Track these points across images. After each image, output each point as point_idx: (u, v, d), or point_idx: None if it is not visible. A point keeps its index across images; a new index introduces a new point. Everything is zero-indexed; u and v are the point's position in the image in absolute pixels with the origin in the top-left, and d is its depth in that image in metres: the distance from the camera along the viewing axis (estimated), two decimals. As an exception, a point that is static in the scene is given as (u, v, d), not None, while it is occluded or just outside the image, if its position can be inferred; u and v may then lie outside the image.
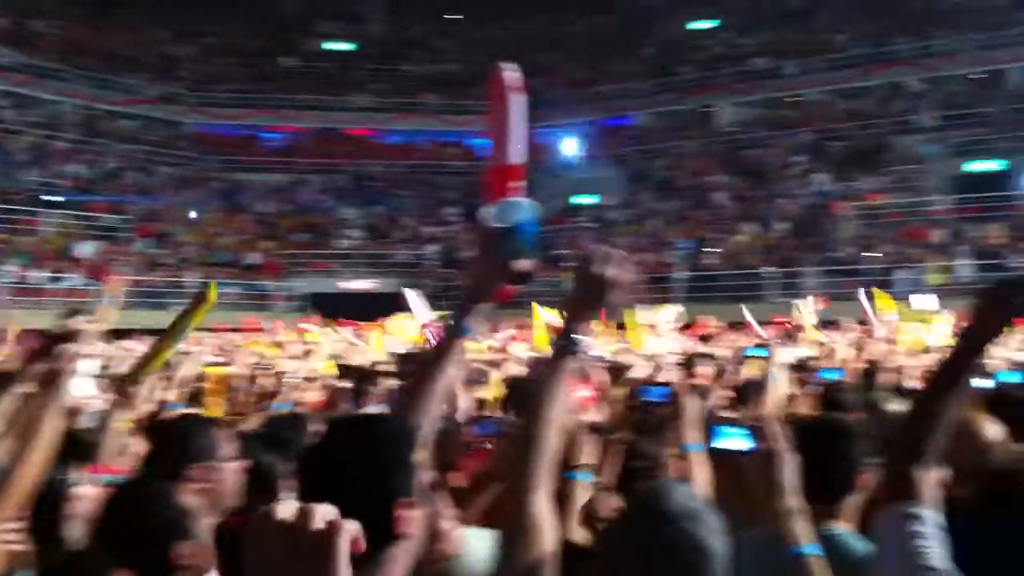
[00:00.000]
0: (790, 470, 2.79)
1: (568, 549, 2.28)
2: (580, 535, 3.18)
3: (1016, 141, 28.92)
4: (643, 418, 4.62)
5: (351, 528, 1.29)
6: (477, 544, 2.78)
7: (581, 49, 37.14)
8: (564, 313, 2.33)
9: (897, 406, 4.48)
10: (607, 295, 2.25)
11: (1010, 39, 31.57)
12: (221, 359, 9.14)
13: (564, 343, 2.24)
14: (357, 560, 1.24)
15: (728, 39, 38.36)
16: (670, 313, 11.95)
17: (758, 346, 7.56)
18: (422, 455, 1.85)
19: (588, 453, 3.42)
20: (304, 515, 1.30)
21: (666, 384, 5.22)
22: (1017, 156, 28.21)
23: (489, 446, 4.00)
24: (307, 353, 9.33)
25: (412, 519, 1.79)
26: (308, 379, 7.05)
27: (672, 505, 1.75)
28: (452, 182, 36.33)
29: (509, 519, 2.14)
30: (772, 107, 35.44)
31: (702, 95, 35.94)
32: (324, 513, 1.31)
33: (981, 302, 2.39)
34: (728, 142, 34.80)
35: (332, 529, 1.29)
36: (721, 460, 3.47)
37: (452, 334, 2.56)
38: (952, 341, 2.54)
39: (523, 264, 2.47)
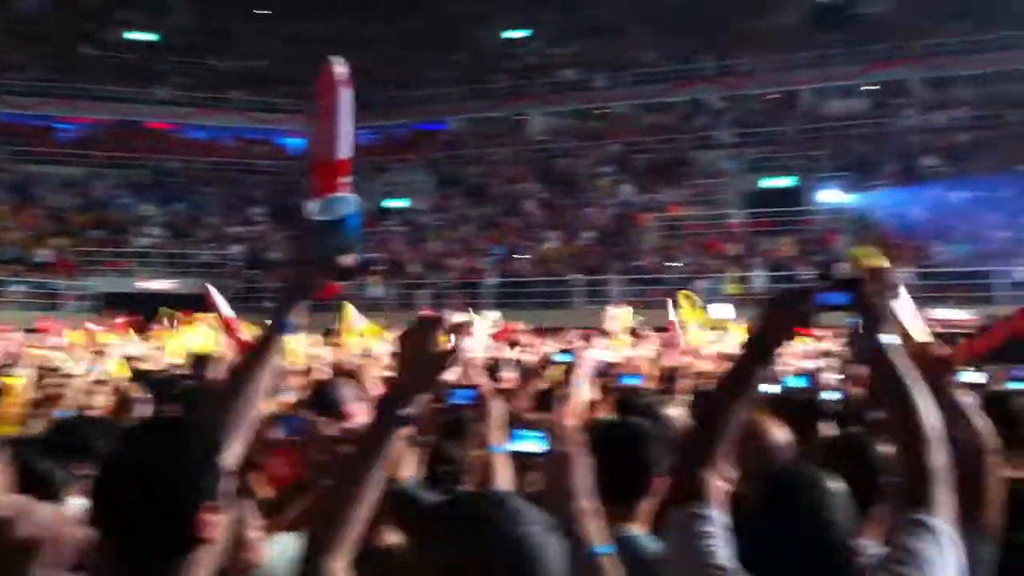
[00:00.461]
0: (582, 472, 2.80)
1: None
2: (393, 538, 3.13)
3: (807, 159, 30.60)
4: (449, 421, 4.59)
5: None
6: (282, 552, 2.69)
7: (392, 51, 36.92)
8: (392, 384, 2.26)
9: (681, 411, 4.62)
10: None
11: (803, 62, 33.43)
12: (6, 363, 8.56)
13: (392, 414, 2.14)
14: (158, 566, 1.17)
15: (540, 49, 39.02)
16: (489, 319, 12.05)
17: (563, 351, 7.66)
18: (228, 458, 1.77)
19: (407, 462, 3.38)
20: None
21: (473, 387, 5.20)
22: (807, 173, 29.82)
23: (294, 446, 3.91)
24: (98, 355, 8.86)
25: (215, 524, 1.74)
26: (98, 382, 6.67)
27: (502, 509, 1.69)
28: (259, 181, 35.46)
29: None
30: (582, 118, 36.27)
31: (514, 103, 36.40)
32: None
33: (767, 311, 2.47)
34: (539, 151, 35.36)
35: None
36: (520, 462, 3.48)
37: (270, 331, 2.45)
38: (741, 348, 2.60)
39: (347, 259, 2.41)
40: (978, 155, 28.33)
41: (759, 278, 25.27)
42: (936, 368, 3.44)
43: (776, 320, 2.46)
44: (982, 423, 3.31)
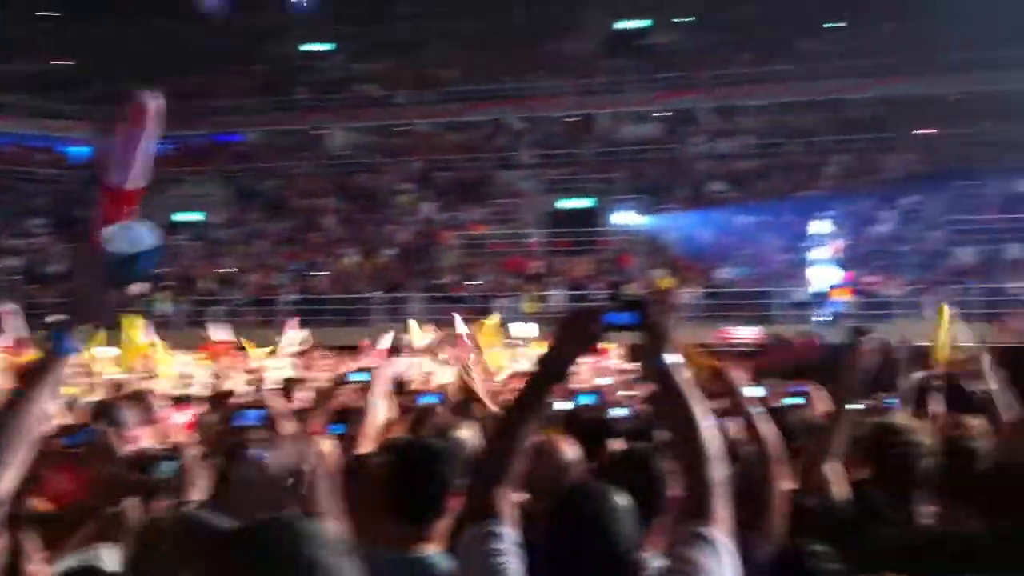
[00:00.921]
0: (325, 492, 2.78)
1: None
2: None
3: (603, 182, 31.51)
4: (236, 442, 4.45)
5: None
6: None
7: (186, 60, 35.73)
8: None
9: (475, 431, 4.64)
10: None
11: (600, 87, 34.48)
12: None
13: None
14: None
15: (342, 64, 38.65)
16: (294, 338, 11.79)
17: (359, 370, 7.56)
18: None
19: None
20: None
21: (262, 407, 5.07)
22: (604, 195, 30.69)
23: (77, 459, 3.74)
24: None
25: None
26: None
27: (293, 533, 1.64)
28: (40, 190, 33.54)
29: None
30: (383, 134, 36.12)
31: (314, 117, 35.86)
32: None
33: (557, 330, 2.52)
34: (339, 166, 34.98)
35: None
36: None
37: (47, 354, 2.35)
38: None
39: (134, 289, 2.39)
40: (761, 182, 29.92)
41: (557, 297, 25.77)
42: (726, 384, 3.61)
43: (566, 339, 2.50)
44: (770, 435, 3.45)
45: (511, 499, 2.46)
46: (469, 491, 2.64)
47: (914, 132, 30.60)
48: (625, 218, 29.20)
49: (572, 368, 2.58)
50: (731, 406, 3.69)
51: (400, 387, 7.62)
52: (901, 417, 4.23)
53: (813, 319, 15.69)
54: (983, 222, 26.66)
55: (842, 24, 34.70)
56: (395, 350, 10.87)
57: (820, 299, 13.25)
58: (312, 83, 37.26)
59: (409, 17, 39.54)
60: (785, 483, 3.43)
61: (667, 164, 32.00)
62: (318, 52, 39.67)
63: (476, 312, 25.63)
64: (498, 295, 26.35)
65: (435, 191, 32.46)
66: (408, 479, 3.01)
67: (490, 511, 2.40)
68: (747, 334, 12.11)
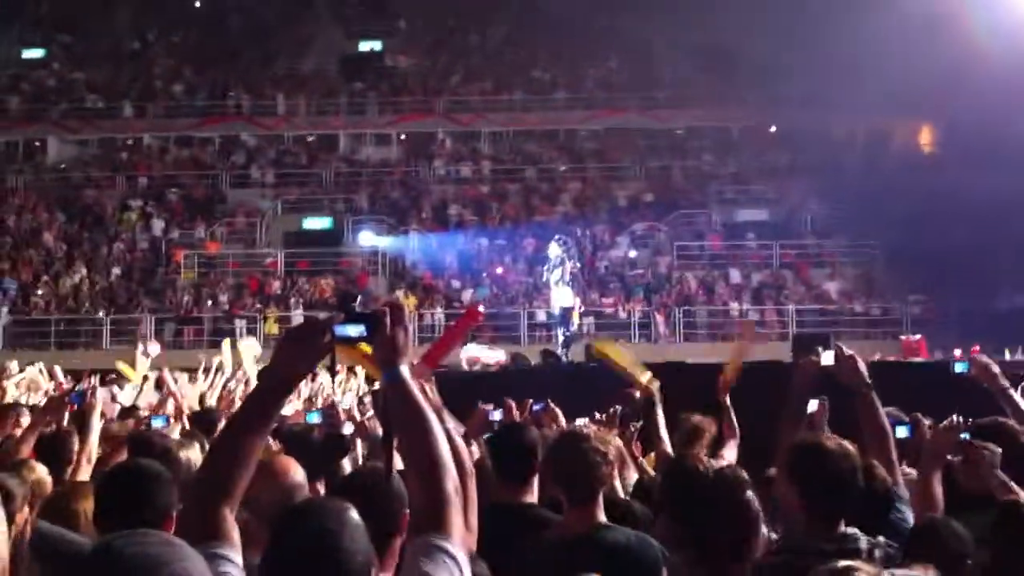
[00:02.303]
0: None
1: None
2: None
3: (344, 202, 31.22)
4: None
5: None
6: None
7: None
8: None
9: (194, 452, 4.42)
10: None
11: (340, 108, 34.25)
12: None
13: None
14: None
15: (60, 72, 36.27)
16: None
17: (75, 393, 7.04)
18: None
19: None
20: None
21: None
22: (345, 215, 30.39)
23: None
24: None
25: None
26: None
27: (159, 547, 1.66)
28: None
29: None
30: (108, 148, 34.22)
31: (31, 128, 33.49)
32: None
33: (283, 344, 2.42)
34: (60, 180, 32.82)
35: None
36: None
37: None
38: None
39: None
40: (499, 206, 30.58)
41: (298, 317, 25.22)
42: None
43: (293, 353, 2.41)
44: (463, 450, 3.48)
45: (233, 520, 2.30)
46: (186, 511, 2.46)
47: (643, 163, 32.18)
48: (366, 239, 29.05)
49: (300, 381, 2.58)
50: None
51: (129, 411, 7.29)
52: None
53: (554, 339, 16.15)
54: (706, 248, 28.40)
55: (569, 58, 35.94)
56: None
57: (559, 320, 13.69)
58: (28, 91, 34.84)
59: (136, 27, 37.91)
60: (473, 498, 3.41)
61: (408, 186, 32.13)
62: (35, 59, 37.06)
63: (215, 334, 24.95)
64: (237, 316, 25.57)
65: (166, 208, 30.98)
66: (118, 502, 2.81)
67: (210, 532, 2.24)
68: (493, 356, 12.22)
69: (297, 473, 3.28)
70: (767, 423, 5.89)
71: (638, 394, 6.39)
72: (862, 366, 4.25)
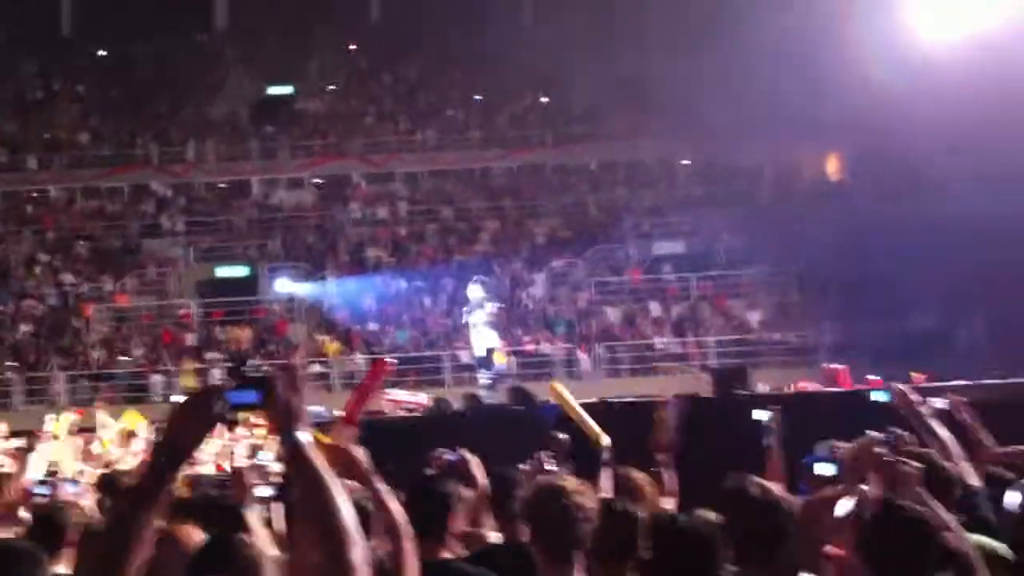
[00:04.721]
0: None
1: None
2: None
3: (259, 249, 30.78)
4: None
5: None
6: None
7: None
8: None
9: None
10: None
11: (251, 153, 33.89)
12: None
13: None
14: None
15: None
16: None
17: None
18: None
19: None
20: None
21: None
22: (260, 262, 29.94)
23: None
24: None
25: None
26: None
27: None
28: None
29: None
30: (13, 201, 33.30)
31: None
32: None
33: (176, 413, 2.34)
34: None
35: None
36: None
37: None
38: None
39: None
40: (417, 247, 30.45)
41: (217, 369, 24.67)
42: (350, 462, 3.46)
43: (186, 422, 2.34)
44: (397, 511, 3.42)
45: None
46: None
47: (558, 199, 32.37)
48: (283, 285, 28.63)
49: (194, 451, 2.43)
50: (359, 482, 3.53)
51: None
52: (567, 480, 4.19)
53: (479, 381, 16.04)
54: (626, 283, 28.57)
55: (482, 96, 36.08)
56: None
57: (482, 362, 13.58)
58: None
59: (40, 76, 37.12)
60: (412, 561, 3.32)
61: (324, 230, 31.83)
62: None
63: (131, 389, 24.32)
64: (153, 370, 25.01)
65: (74, 261, 30.16)
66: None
67: None
68: (414, 399, 12.05)
69: (197, 540, 3.13)
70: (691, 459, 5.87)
71: (561, 437, 6.30)
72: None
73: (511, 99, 35.33)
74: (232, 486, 4.47)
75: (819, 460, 4.37)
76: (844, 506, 4.28)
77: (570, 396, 6.82)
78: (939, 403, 6.30)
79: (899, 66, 20.92)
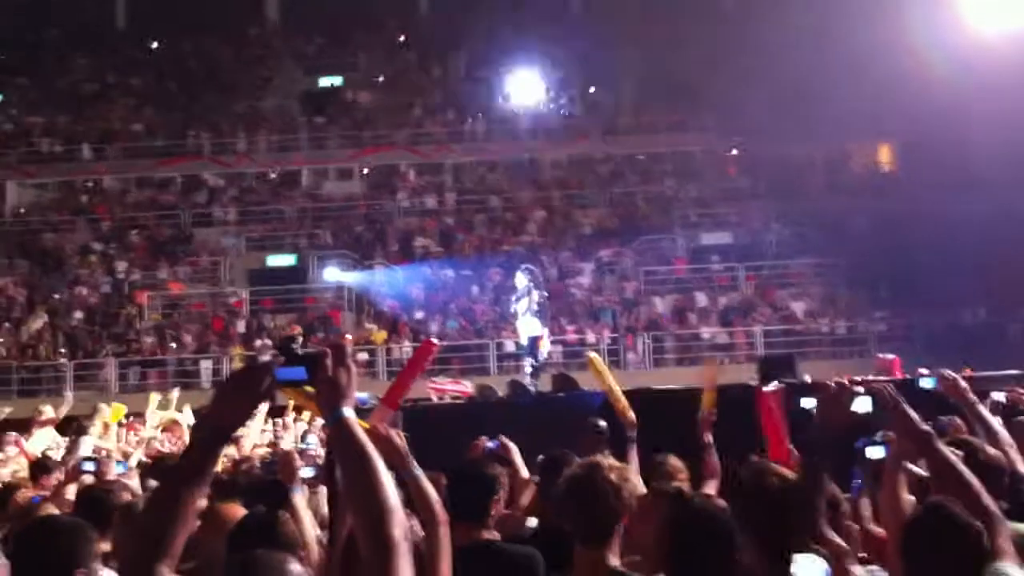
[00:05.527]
0: None
1: None
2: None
3: (308, 238, 31.03)
4: None
5: None
6: None
7: None
8: None
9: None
10: None
11: (300, 144, 34.14)
12: None
13: None
14: None
15: (17, 117, 35.89)
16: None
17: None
18: None
19: None
20: None
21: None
22: (309, 252, 30.18)
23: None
24: None
25: None
26: None
27: None
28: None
29: None
30: (67, 191, 33.92)
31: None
32: None
33: (222, 389, 2.36)
34: (18, 224, 32.45)
35: None
36: None
37: None
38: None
39: None
40: (464, 237, 30.52)
41: (264, 355, 24.89)
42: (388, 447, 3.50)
43: (233, 400, 2.34)
44: (434, 498, 3.45)
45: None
46: (123, 569, 2.35)
47: (606, 189, 32.27)
48: (332, 274, 28.83)
49: (239, 428, 2.49)
50: (397, 466, 3.55)
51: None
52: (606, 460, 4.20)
53: (523, 370, 16.10)
54: (672, 273, 28.42)
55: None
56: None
57: (527, 350, 13.58)
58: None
59: (94, 71, 37.71)
60: (446, 545, 3.37)
61: (372, 220, 31.99)
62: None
63: (180, 376, 24.66)
64: (203, 357, 25.30)
65: (128, 250, 30.63)
66: (25, 558, 2.69)
67: None
68: (459, 387, 12.14)
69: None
70: (737, 446, 5.86)
71: (600, 423, 6.34)
72: (910, 410, 3.71)
73: (558, 89, 35.22)
74: (279, 468, 4.55)
75: (870, 444, 4.34)
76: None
77: (606, 369, 6.86)
78: (1000, 396, 6.27)
79: (951, 56, 20.62)
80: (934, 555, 3.13)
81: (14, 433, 9.65)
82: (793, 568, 3.24)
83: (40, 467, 6.74)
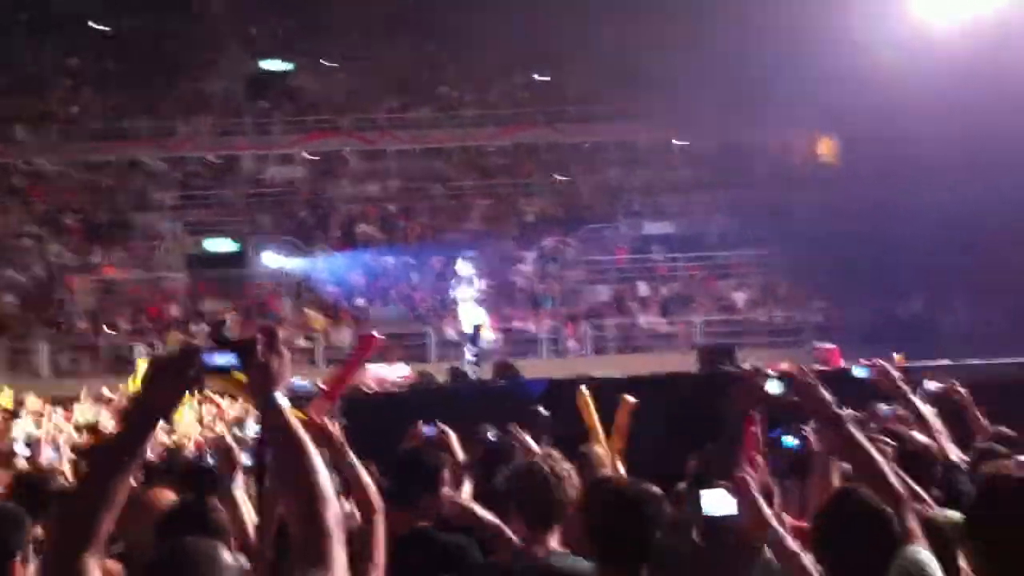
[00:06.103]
0: None
1: None
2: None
3: (249, 223, 30.69)
4: None
5: None
6: None
7: None
8: None
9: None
10: None
11: (243, 128, 33.69)
12: None
13: None
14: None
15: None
16: None
17: None
18: None
19: None
20: None
21: None
22: (250, 237, 29.86)
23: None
24: None
25: None
26: None
27: None
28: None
29: None
30: (2, 172, 33.11)
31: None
32: None
33: (150, 374, 2.32)
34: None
35: None
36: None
37: None
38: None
39: None
40: (407, 223, 30.41)
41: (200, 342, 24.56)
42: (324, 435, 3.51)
43: (162, 385, 2.30)
44: (371, 485, 3.46)
45: (95, 568, 2.15)
46: (46, 557, 2.30)
47: (550, 177, 32.31)
48: (273, 260, 28.56)
49: (169, 413, 2.38)
50: (333, 456, 3.60)
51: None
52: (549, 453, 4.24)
53: (463, 357, 16.10)
54: (615, 262, 28.58)
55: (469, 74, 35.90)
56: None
57: (469, 337, 13.58)
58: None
59: (31, 51, 36.86)
60: (381, 534, 3.39)
61: (315, 205, 31.74)
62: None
63: (113, 361, 24.32)
64: (139, 342, 24.95)
65: (63, 233, 30.05)
66: None
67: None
68: (397, 373, 12.09)
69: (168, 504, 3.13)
70: (675, 435, 5.89)
71: (543, 413, 6.33)
72: (825, 393, 3.61)
73: (505, 77, 35.16)
74: (217, 456, 4.48)
75: (786, 433, 4.38)
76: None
77: (592, 408, 6.74)
78: (933, 386, 6.38)
79: (895, 49, 20.91)
80: (846, 541, 3.14)
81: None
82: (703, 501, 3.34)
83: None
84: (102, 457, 2.33)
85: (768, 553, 3.35)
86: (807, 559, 3.15)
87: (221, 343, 2.30)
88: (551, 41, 30.53)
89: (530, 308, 26.38)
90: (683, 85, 25.24)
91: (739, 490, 3.27)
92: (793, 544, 3.15)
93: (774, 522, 3.24)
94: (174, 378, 2.29)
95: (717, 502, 3.26)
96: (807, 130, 29.45)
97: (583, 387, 6.48)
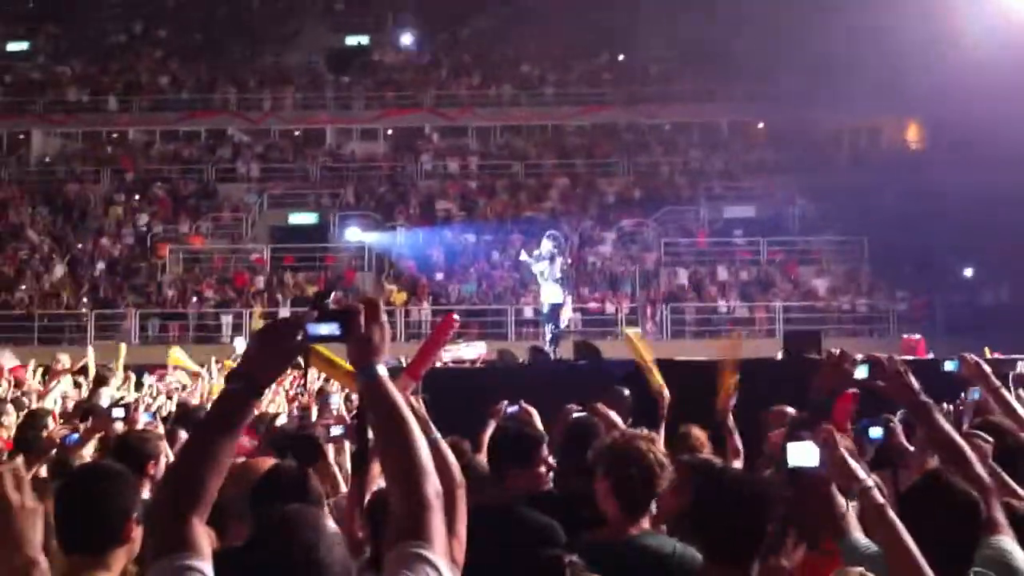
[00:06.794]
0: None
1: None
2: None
3: (330, 197, 31.03)
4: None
5: None
6: None
7: None
8: None
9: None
10: None
11: (325, 102, 34.02)
12: None
13: None
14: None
15: (45, 65, 35.89)
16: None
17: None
18: None
19: None
20: None
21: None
22: (331, 211, 30.21)
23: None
24: None
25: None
26: None
27: None
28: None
29: None
30: (93, 141, 33.93)
31: (13, 121, 33.16)
32: None
33: (255, 343, 2.33)
34: (43, 174, 32.56)
35: None
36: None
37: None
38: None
39: None
40: (486, 201, 30.45)
41: (284, 313, 25.00)
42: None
43: (265, 354, 2.31)
44: (453, 461, 3.40)
45: (203, 529, 2.17)
46: (153, 520, 2.35)
47: (629, 159, 32.08)
48: (352, 234, 28.86)
49: (273, 382, 2.43)
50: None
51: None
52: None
53: (542, 336, 16.13)
54: (694, 245, 28.30)
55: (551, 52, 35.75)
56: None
57: (548, 317, 13.58)
58: (12, 84, 34.50)
59: (121, 20, 37.63)
60: (462, 508, 3.34)
61: (394, 181, 31.95)
62: (19, 51, 36.70)
63: (200, 330, 24.84)
64: (222, 311, 25.43)
65: (151, 202, 30.72)
66: (79, 504, 2.69)
67: (178, 543, 2.12)
68: (473, 352, 12.16)
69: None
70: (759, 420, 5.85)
71: (624, 392, 6.34)
72: (912, 380, 3.59)
73: (586, 56, 34.95)
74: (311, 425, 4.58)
75: (872, 424, 4.35)
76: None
77: (643, 345, 6.82)
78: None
79: (983, 34, 20.35)
80: (931, 522, 3.11)
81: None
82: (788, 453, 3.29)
83: (89, 411, 6.77)
84: (206, 422, 2.35)
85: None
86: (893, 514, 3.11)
87: (324, 313, 2.30)
88: (633, 21, 30.29)
89: (608, 289, 26.27)
90: (766, 67, 24.87)
91: (825, 442, 3.25)
92: (880, 496, 3.11)
93: (861, 473, 3.22)
94: (278, 347, 2.30)
95: (803, 454, 3.26)
96: (893, 114, 28.83)
97: (629, 330, 6.50)
